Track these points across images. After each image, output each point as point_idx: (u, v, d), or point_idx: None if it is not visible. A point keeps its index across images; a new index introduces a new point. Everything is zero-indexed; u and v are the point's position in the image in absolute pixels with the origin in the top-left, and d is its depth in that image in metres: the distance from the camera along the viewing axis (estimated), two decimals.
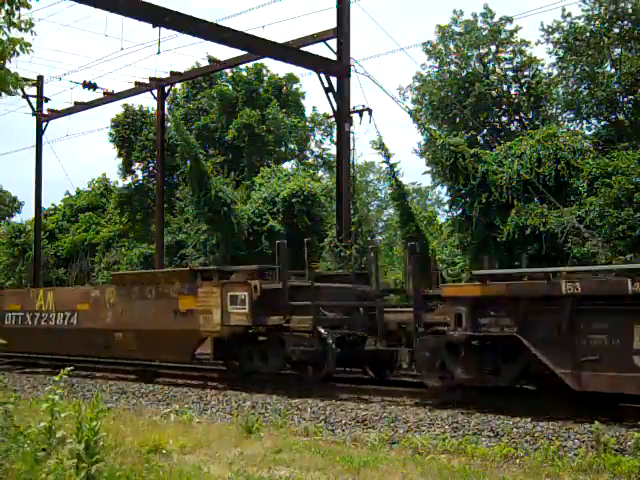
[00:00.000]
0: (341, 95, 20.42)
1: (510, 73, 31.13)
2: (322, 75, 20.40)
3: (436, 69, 32.42)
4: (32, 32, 6.74)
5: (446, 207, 31.81)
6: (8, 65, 6.77)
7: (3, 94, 7.07)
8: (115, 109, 46.60)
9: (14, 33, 6.66)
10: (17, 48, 6.55)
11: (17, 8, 6.52)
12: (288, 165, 39.36)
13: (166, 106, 29.37)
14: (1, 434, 6.15)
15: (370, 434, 8.76)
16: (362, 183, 55.94)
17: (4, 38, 6.58)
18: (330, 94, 20.46)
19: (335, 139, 22.21)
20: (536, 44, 29.84)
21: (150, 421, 9.34)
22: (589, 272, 10.49)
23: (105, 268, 35.78)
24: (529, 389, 10.88)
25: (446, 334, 10.59)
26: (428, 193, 61.16)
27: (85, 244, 39.27)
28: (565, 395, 9.58)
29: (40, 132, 30.08)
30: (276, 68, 39.99)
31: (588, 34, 26.95)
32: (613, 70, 27.25)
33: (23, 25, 6.61)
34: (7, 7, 6.47)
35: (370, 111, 20.85)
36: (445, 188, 24.49)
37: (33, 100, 29.90)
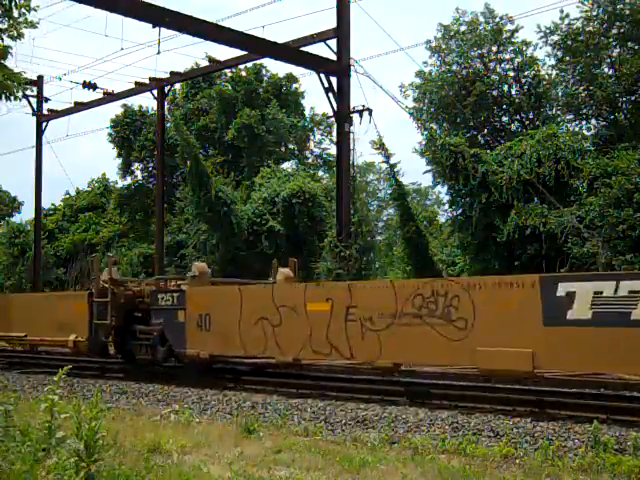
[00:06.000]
0: (341, 95, 20.42)
1: (511, 73, 31.10)
2: (322, 75, 20.40)
3: (438, 67, 32.37)
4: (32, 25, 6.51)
5: (446, 207, 31.81)
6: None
7: (5, 97, 6.90)
8: (115, 109, 46.67)
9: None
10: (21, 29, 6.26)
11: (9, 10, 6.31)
12: (288, 165, 39.37)
13: (166, 106, 29.37)
14: (1, 434, 6.14)
15: (370, 434, 8.75)
16: (362, 183, 55.90)
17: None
18: (330, 94, 20.46)
19: (335, 139, 22.20)
20: (534, 47, 29.86)
21: (150, 421, 9.33)
22: None
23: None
24: None
25: None
26: (428, 193, 61.19)
27: (85, 244, 39.26)
28: None
29: (40, 132, 30.07)
30: (276, 68, 40.01)
31: (587, 35, 26.92)
32: (611, 71, 27.23)
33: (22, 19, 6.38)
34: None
35: (370, 111, 20.83)
36: (445, 188, 24.52)
37: (33, 100, 29.91)
